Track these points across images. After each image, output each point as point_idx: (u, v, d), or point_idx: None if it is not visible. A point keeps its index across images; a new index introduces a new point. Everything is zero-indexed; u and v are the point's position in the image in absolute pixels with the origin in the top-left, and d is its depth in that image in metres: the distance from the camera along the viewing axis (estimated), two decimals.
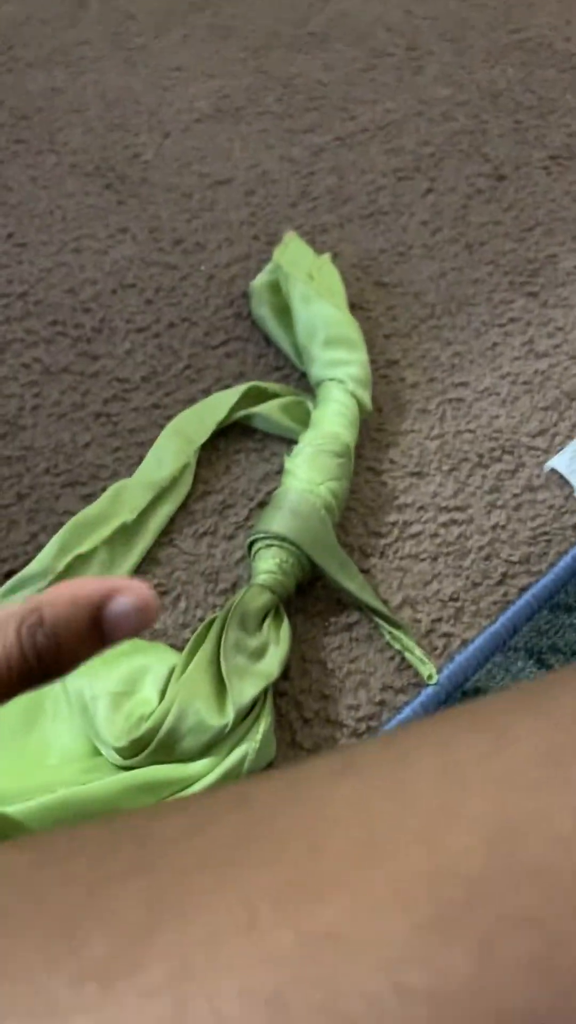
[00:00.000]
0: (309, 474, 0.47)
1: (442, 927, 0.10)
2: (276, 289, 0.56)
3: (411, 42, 0.83)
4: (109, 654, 0.41)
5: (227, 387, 0.53)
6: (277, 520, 0.45)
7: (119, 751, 0.37)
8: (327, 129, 0.72)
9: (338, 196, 0.67)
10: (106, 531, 0.45)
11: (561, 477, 0.52)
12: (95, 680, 0.39)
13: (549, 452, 0.53)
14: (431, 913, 0.10)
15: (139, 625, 0.21)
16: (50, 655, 0.20)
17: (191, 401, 0.53)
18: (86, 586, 0.21)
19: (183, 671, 0.39)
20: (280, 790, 0.13)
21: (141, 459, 0.50)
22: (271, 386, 0.53)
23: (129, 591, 0.21)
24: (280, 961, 0.10)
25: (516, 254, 0.64)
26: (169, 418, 0.51)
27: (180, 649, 0.42)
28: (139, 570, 0.46)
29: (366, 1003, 0.10)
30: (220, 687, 0.39)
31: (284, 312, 0.55)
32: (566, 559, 0.48)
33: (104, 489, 0.47)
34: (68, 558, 0.43)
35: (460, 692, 0.44)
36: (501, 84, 0.79)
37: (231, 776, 0.37)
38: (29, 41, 0.77)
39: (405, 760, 0.12)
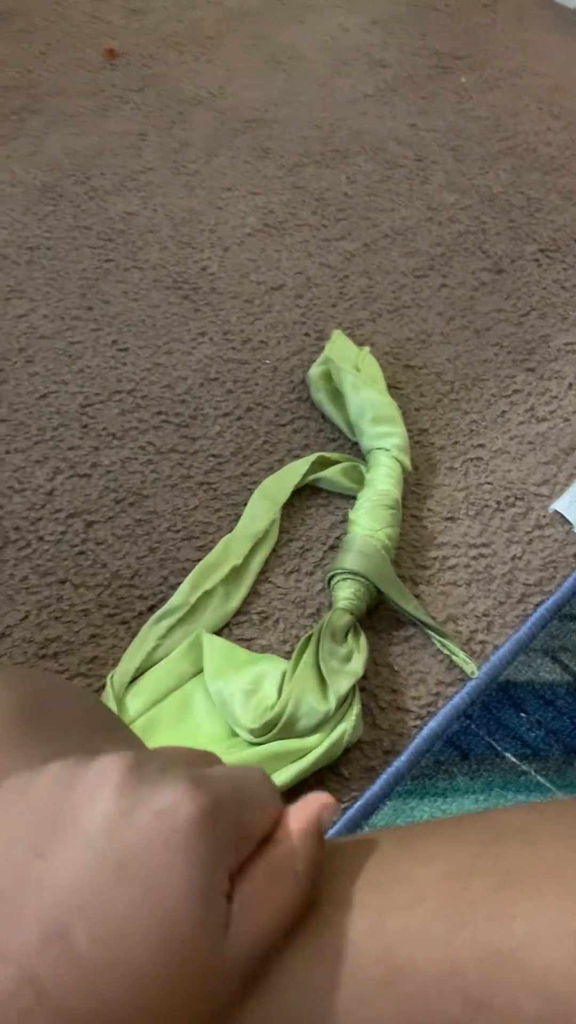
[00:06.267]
0: (369, 523, 0.62)
1: None
2: (328, 377, 0.71)
3: (418, 153, 0.99)
4: (236, 662, 0.55)
5: (297, 457, 0.69)
6: (349, 559, 0.60)
7: (253, 732, 0.52)
8: (355, 237, 0.88)
9: (369, 295, 0.83)
10: (221, 573, 0.60)
11: (563, 517, 0.67)
12: (229, 683, 0.54)
13: (552, 497, 0.68)
14: None
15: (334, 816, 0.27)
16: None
17: (271, 469, 0.68)
18: (300, 817, 0.26)
19: (292, 673, 0.54)
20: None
21: (238, 517, 0.64)
22: (332, 455, 0.68)
23: (326, 808, 0.26)
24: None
25: (516, 336, 0.80)
26: (255, 483, 0.66)
27: (284, 658, 0.56)
28: (245, 601, 0.61)
29: None
30: (322, 683, 0.53)
31: (337, 396, 0.70)
32: (569, 580, 0.63)
33: (214, 542, 0.62)
34: (198, 594, 0.58)
35: (495, 684, 0.58)
36: (496, 187, 0.96)
37: (335, 747, 0.52)
38: (105, 171, 0.93)
39: None
